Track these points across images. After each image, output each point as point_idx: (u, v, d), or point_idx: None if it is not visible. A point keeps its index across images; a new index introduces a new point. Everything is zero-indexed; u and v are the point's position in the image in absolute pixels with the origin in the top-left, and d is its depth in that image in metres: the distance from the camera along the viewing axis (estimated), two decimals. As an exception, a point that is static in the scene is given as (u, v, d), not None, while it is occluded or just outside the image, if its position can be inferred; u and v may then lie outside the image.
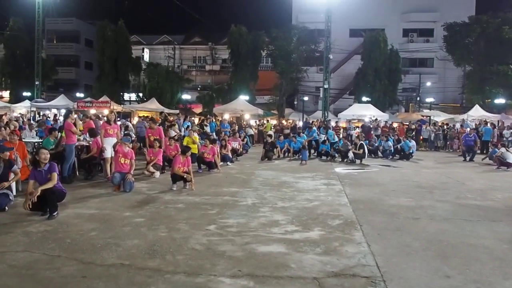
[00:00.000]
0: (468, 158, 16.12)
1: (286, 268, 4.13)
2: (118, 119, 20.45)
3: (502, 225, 6.10)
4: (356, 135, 18.39)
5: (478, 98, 29.84)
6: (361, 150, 14.69)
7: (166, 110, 26.01)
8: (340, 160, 15.28)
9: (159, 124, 18.34)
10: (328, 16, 26.19)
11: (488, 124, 20.74)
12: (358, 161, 14.61)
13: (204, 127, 19.71)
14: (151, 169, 10.24)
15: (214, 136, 17.34)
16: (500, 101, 29.20)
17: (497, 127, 21.27)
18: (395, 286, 3.74)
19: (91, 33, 43.87)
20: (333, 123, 23.07)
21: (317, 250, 4.73)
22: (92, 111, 21.87)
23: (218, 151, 12.61)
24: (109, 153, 9.21)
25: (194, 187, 8.46)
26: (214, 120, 22.70)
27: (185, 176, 8.48)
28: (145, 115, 25.20)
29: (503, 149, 14.07)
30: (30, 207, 5.72)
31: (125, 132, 9.27)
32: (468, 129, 21.54)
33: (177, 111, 29.01)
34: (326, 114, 26.65)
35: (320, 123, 23.68)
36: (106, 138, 9.35)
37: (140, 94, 36.10)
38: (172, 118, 20.82)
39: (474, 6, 37.80)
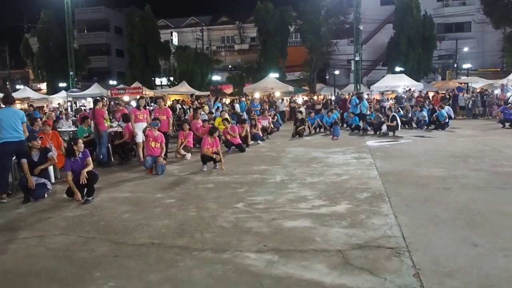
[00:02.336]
0: (507, 125, 15.35)
1: (311, 242, 4.19)
2: (152, 104, 21.02)
3: (539, 192, 5.87)
4: (389, 106, 17.90)
5: (519, 61, 28.17)
6: (394, 122, 14.34)
7: (197, 93, 26.37)
8: (373, 133, 14.99)
9: (188, 108, 18.74)
10: (357, -15, 25.29)
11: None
12: (391, 133, 14.29)
13: (235, 106, 19.89)
14: (182, 151, 10.48)
15: (245, 115, 17.45)
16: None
17: (540, 90, 20.07)
18: (420, 256, 3.72)
19: (119, 20, 44.58)
20: (365, 96, 22.57)
21: (343, 224, 4.75)
22: (125, 97, 22.48)
23: (248, 130, 12.70)
24: (140, 137, 9.49)
25: (224, 167, 8.61)
26: (244, 100, 22.77)
27: (214, 157, 8.63)
28: (177, 98, 25.63)
29: (546, 113, 13.33)
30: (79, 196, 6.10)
31: (154, 117, 9.45)
32: (509, 94, 20.48)
33: (208, 93, 29.31)
34: (358, 87, 26.07)
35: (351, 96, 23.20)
36: (136, 123, 9.61)
37: (171, 78, 36.64)
38: (202, 100, 21.12)
39: (514, -38, 35.22)
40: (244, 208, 5.58)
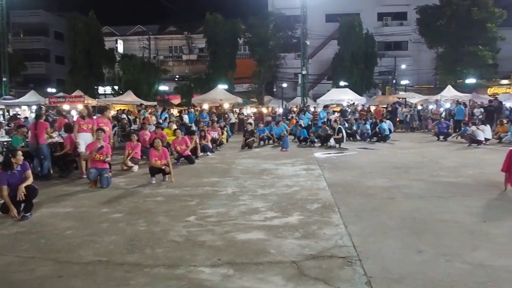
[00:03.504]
0: (441, 138, 16.55)
1: (265, 254, 4.19)
2: (94, 114, 20.14)
3: (472, 200, 6.35)
4: (335, 119, 18.55)
5: (451, 78, 30.51)
6: (340, 134, 14.85)
7: (144, 103, 25.71)
8: (320, 145, 15.42)
9: (134, 118, 18.24)
10: (304, 2, 26.09)
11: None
12: (337, 145, 14.77)
13: (183, 117, 19.60)
14: (129, 163, 10.12)
15: (194, 126, 17.26)
16: (471, 81, 29.92)
17: (468, 106, 21.80)
18: (371, 264, 3.85)
19: (60, 25, 42.52)
20: (312, 109, 23.33)
21: (296, 235, 4.80)
22: (65, 106, 21.39)
23: (198, 141, 12.54)
24: (83, 148, 8.95)
25: (173, 179, 8.42)
26: (193, 111, 22.55)
27: (163, 168, 8.42)
28: (122, 108, 24.83)
29: (473, 127, 14.50)
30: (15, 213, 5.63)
31: (98, 128, 8.99)
32: (442, 109, 22.03)
33: (155, 103, 28.70)
34: (305, 100, 26.77)
35: (299, 109, 23.86)
36: (80, 133, 9.13)
37: (116, 87, 35.41)
38: (150, 110, 20.64)
39: (445, -12, 38.30)
40: (196, 221, 5.48)
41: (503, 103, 21.97)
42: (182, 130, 14.16)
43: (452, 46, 31.07)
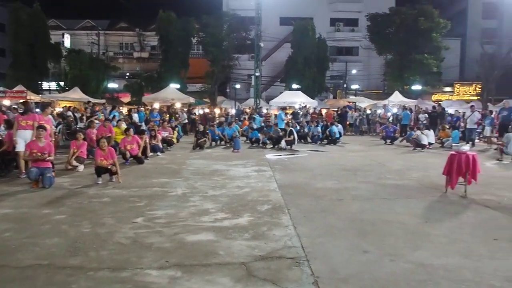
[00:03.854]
0: (388, 142, 17.31)
1: (214, 256, 4.15)
2: (36, 109, 19.05)
3: (415, 202, 6.67)
4: (287, 121, 18.83)
5: (398, 84, 31.99)
6: (291, 137, 15.07)
7: (91, 100, 24.70)
8: (271, 146, 15.57)
9: (81, 116, 17.46)
10: (259, 4, 26.28)
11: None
12: (288, 147, 14.98)
13: (132, 116, 19.04)
14: (74, 162, 9.65)
15: (144, 126, 16.81)
16: (417, 87, 31.60)
17: (414, 112, 22.98)
18: (318, 265, 3.93)
19: (2, 16, 39.80)
20: (264, 110, 23.56)
21: (246, 236, 4.80)
22: (6, 102, 20.08)
23: (147, 141, 12.22)
24: (22, 146, 8.36)
25: (121, 179, 8.15)
26: (143, 110, 21.97)
27: (109, 168, 8.12)
28: (68, 105, 23.71)
29: (418, 132, 15.31)
30: None
31: (39, 125, 8.47)
32: (389, 113, 23.07)
33: (104, 101, 27.67)
34: (258, 102, 26.93)
35: (252, 111, 24.00)
36: (19, 130, 8.56)
37: (62, 83, 33.70)
38: (97, 107, 19.85)
39: (394, -2, 40.22)
40: (144, 223, 5.32)
41: (446, 109, 23.49)
42: (132, 129, 13.79)
43: (400, 53, 32.59)
